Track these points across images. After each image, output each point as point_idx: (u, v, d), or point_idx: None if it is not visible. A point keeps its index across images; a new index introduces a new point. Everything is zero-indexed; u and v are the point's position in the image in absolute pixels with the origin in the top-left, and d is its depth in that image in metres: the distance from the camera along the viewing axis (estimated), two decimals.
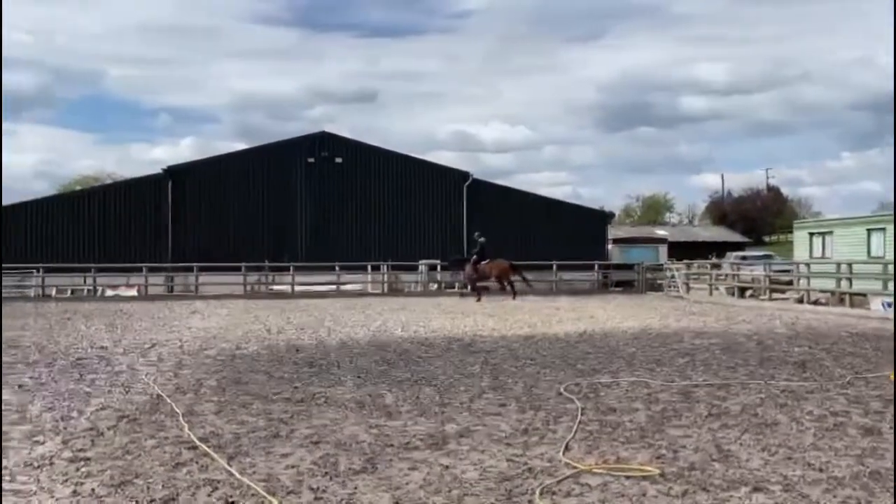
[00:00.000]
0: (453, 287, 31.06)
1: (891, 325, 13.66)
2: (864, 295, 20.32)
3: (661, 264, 32.30)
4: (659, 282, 30.34)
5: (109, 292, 28.29)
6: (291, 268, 29.14)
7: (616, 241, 39.04)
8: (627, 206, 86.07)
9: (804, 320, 16.27)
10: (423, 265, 31.51)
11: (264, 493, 4.41)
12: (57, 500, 4.35)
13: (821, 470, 4.87)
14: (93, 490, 4.50)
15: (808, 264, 24.22)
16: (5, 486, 4.61)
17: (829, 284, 21.74)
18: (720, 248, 51.56)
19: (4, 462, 5.11)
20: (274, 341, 12.46)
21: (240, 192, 32.91)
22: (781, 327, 14.64)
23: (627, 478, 4.70)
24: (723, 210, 76.74)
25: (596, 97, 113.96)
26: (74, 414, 6.66)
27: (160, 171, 33.43)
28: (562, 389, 7.70)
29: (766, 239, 73.09)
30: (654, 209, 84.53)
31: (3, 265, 30.04)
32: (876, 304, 19.29)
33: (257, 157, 34.09)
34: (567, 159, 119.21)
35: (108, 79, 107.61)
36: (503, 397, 7.35)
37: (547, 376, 8.61)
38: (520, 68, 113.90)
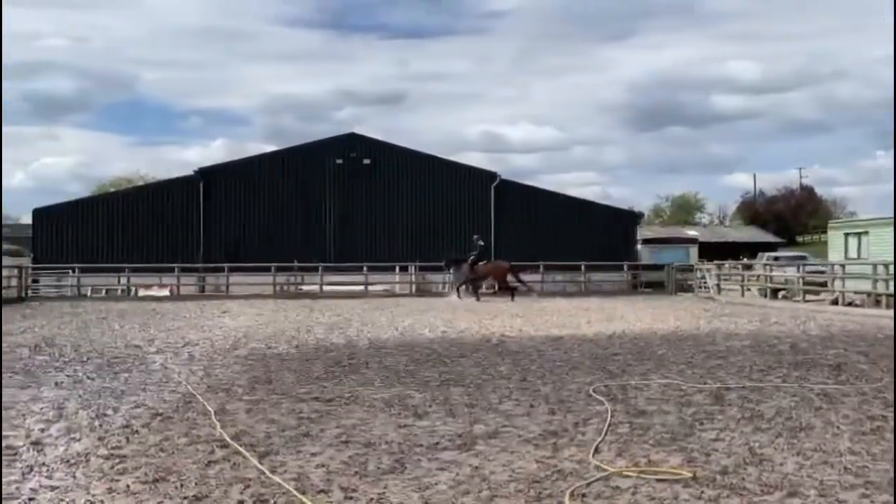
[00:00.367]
0: (480, 287, 31.04)
1: None
2: None
3: (692, 265, 31.90)
4: (689, 283, 29.97)
5: (142, 292, 28.75)
6: (320, 268, 29.35)
7: (646, 241, 38.69)
8: (657, 206, 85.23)
9: (839, 322, 15.96)
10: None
11: (295, 492, 4.45)
12: (93, 496, 4.43)
13: (857, 475, 4.77)
14: (128, 486, 4.58)
15: (842, 265, 23.73)
16: (43, 481, 4.71)
17: (865, 286, 21.29)
18: (752, 249, 50.78)
19: (41, 458, 5.23)
20: (303, 341, 12.55)
21: (269, 193, 33.23)
22: (816, 329, 14.37)
23: (659, 481, 4.66)
24: (755, 210, 75.61)
25: (625, 97, 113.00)
26: (109, 412, 6.78)
27: (192, 172, 33.90)
28: (591, 391, 7.65)
29: (800, 239, 71.86)
30: (685, 209, 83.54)
31: (41, 265, 30.74)
32: None
33: (287, 158, 34.39)
34: (596, 159, 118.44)
35: (142, 82, 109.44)
36: (532, 398, 7.32)
37: (576, 378, 8.56)
38: (549, 68, 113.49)
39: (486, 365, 9.60)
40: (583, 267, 30.62)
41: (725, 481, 4.64)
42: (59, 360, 10.27)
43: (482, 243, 25.90)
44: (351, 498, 4.39)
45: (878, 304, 19.74)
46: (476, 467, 4.97)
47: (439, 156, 36.65)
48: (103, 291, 29.13)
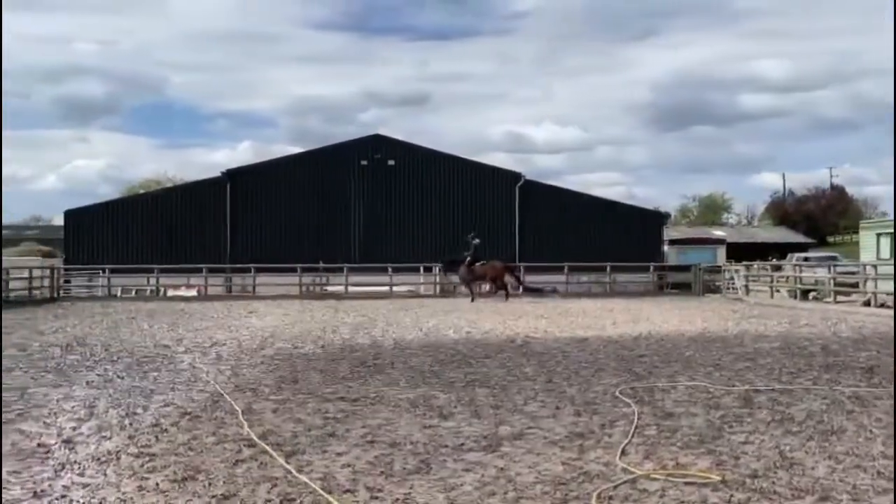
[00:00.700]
0: (504, 288, 30.97)
1: None
2: None
3: (720, 266, 31.54)
4: (717, 284, 29.62)
5: (171, 292, 29.14)
6: (345, 269, 29.51)
7: (672, 242, 38.33)
8: (684, 206, 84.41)
9: (871, 324, 15.65)
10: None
11: (321, 492, 4.47)
12: (123, 493, 4.49)
13: (890, 479, 4.67)
14: (157, 485, 4.64)
15: (875, 266, 23.30)
16: (74, 479, 4.79)
17: None
18: (781, 250, 50.01)
19: (73, 456, 5.31)
20: (329, 341, 12.62)
21: (295, 194, 33.49)
22: (847, 331, 14.12)
23: (687, 484, 4.60)
24: (784, 210, 74.53)
25: (650, 96, 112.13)
26: (139, 410, 6.87)
27: (219, 174, 34.29)
28: (617, 393, 7.59)
29: (830, 240, 70.66)
30: (712, 209, 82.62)
31: (73, 265, 31.30)
32: None
33: (312, 159, 34.64)
34: (620, 159, 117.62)
35: (171, 85, 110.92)
36: (557, 400, 7.28)
37: (602, 379, 8.50)
38: (573, 68, 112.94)
39: (511, 366, 9.57)
40: (608, 268, 30.42)
41: (755, 485, 4.57)
42: (90, 359, 10.44)
43: (477, 241, 25.98)
44: (377, 498, 4.40)
45: None
46: (502, 469, 4.95)
47: (463, 156, 36.70)
48: (133, 292, 29.57)
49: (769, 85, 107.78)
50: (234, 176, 33.78)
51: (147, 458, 5.22)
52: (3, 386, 8.17)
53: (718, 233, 54.28)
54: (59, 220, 41.79)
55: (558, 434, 5.90)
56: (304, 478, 4.72)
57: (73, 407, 7.04)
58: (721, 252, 36.68)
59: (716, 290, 29.07)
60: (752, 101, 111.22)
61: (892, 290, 21.27)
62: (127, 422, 6.40)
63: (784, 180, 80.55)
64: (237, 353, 10.99)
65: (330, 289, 30.00)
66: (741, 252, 45.01)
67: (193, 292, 29.06)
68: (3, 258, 34.76)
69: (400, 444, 5.58)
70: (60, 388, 8.02)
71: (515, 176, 34.90)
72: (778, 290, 25.96)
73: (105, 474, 4.87)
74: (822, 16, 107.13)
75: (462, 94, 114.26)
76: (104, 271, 29.73)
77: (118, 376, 8.89)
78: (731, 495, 4.38)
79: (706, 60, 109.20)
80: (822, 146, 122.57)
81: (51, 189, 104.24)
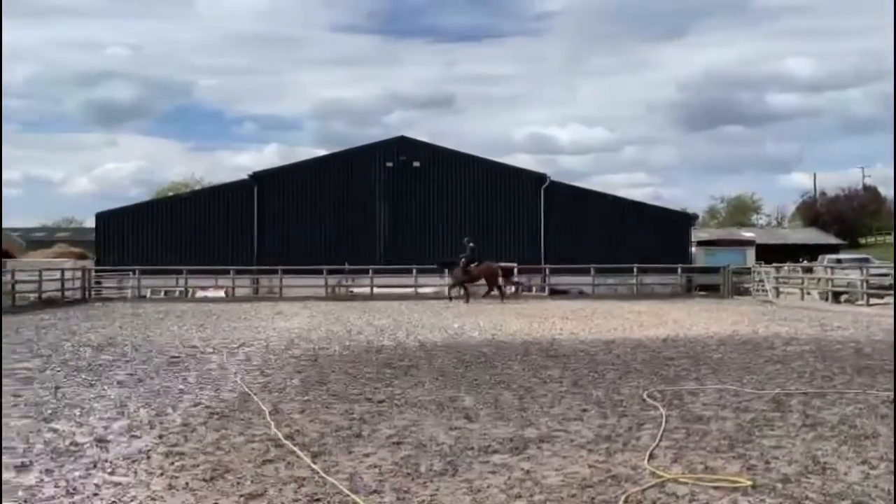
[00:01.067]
0: (530, 290, 30.91)
1: None
2: None
3: (749, 267, 31.10)
4: (746, 286, 29.22)
5: (199, 293, 29.49)
6: (370, 270, 29.63)
7: (700, 243, 37.88)
8: (712, 207, 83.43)
9: None
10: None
11: (348, 492, 4.48)
12: (153, 492, 4.55)
13: None
14: (186, 484, 4.69)
15: None
16: (106, 477, 4.86)
17: None
18: (812, 251, 49.19)
19: (105, 455, 5.39)
20: (354, 342, 12.68)
21: (321, 196, 33.70)
22: (880, 334, 13.83)
23: (716, 488, 4.54)
24: (815, 211, 73.29)
25: (677, 96, 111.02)
26: (169, 410, 6.96)
27: (246, 176, 34.64)
28: (645, 396, 7.52)
29: (862, 241, 69.36)
30: (741, 210, 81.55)
31: (104, 267, 31.81)
32: None
33: (338, 162, 34.83)
34: (647, 160, 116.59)
35: (199, 89, 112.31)
36: (584, 402, 7.23)
37: (629, 382, 8.43)
38: (599, 69, 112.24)
39: (537, 368, 9.53)
40: (635, 269, 30.16)
41: (787, 490, 4.50)
42: (120, 359, 10.60)
43: (472, 244, 26.37)
44: (403, 499, 4.40)
45: None
46: (528, 471, 4.93)
47: (488, 158, 36.64)
48: (162, 293, 29.98)
49: (799, 84, 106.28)
50: (261, 178, 34.09)
51: (176, 457, 5.28)
52: (37, 385, 8.33)
53: (748, 234, 53.58)
54: (90, 223, 42.55)
55: (585, 437, 5.85)
56: (331, 479, 4.74)
57: (104, 406, 7.15)
58: (750, 253, 36.14)
59: (745, 292, 28.68)
60: (781, 101, 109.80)
61: None
62: (157, 421, 6.49)
63: (815, 181, 79.27)
64: (264, 354, 11.09)
65: (355, 290, 30.13)
66: (771, 254, 44.37)
67: (221, 293, 29.37)
68: (37, 259, 35.48)
69: (426, 446, 5.58)
70: (92, 388, 8.15)
71: (540, 177, 34.77)
72: (809, 293, 25.54)
73: (135, 473, 4.94)
74: (851, 13, 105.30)
75: (487, 95, 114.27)
76: (134, 273, 30.15)
77: (148, 376, 9.01)
78: (762, 500, 4.32)
79: (735, 59, 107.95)
80: (854, 146, 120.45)
81: (83, 192, 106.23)
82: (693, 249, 35.60)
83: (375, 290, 28.97)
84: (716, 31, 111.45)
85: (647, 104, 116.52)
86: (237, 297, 28.44)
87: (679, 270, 31.31)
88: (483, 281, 26.13)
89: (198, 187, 55.82)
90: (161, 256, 32.07)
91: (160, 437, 5.92)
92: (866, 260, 31.63)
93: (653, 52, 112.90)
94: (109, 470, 5.01)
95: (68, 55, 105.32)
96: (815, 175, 79.49)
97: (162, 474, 4.89)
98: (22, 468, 5.04)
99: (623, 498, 4.37)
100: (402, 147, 34.48)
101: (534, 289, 31.16)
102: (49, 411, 6.90)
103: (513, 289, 27.28)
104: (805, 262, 36.38)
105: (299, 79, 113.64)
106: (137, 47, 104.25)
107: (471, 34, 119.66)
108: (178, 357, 10.78)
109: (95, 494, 4.51)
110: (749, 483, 4.61)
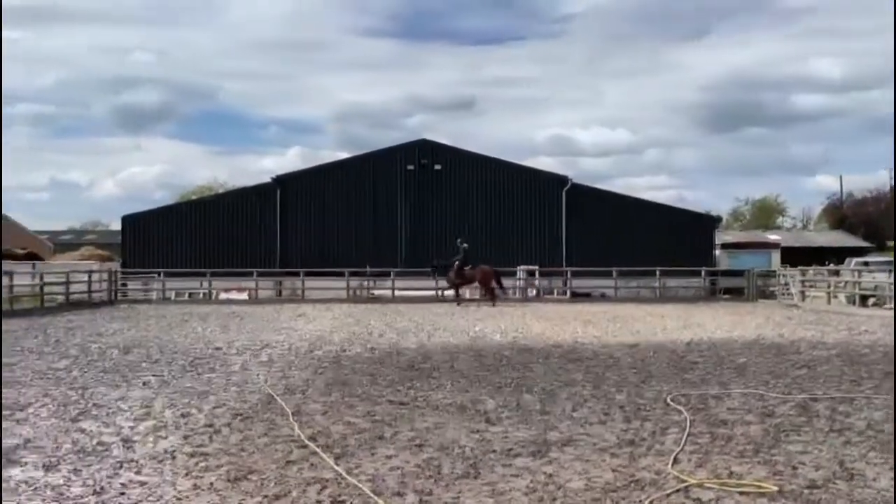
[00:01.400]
0: (551, 293, 30.82)
1: None
2: None
3: (774, 270, 30.72)
4: (771, 289, 28.87)
5: (223, 295, 29.78)
6: (392, 273, 29.71)
7: (724, 246, 37.45)
8: (736, 209, 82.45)
9: None
10: (521, 271, 31.39)
11: (371, 494, 4.50)
12: (179, 492, 4.60)
13: None
14: (211, 484, 4.74)
15: None
16: (132, 477, 4.92)
17: None
18: (839, 254, 48.44)
19: (131, 455, 5.47)
20: (376, 344, 12.72)
21: (343, 199, 33.87)
22: None
23: (742, 494, 4.49)
24: (841, 213, 72.17)
25: (701, 97, 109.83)
26: (194, 411, 7.03)
27: (269, 180, 34.92)
28: (668, 400, 7.46)
29: (890, 244, 68.16)
30: (765, 213, 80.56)
31: (129, 269, 32.24)
32: None
33: (359, 165, 34.99)
34: (670, 162, 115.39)
35: (223, 93, 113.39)
36: (606, 406, 7.19)
37: (652, 386, 8.37)
38: (621, 70, 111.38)
39: (559, 371, 9.50)
40: (657, 272, 29.94)
41: (813, 496, 4.44)
42: (146, 360, 10.74)
43: (466, 246, 26.43)
44: (426, 502, 4.41)
45: None
46: (551, 475, 4.91)
47: (510, 160, 36.58)
48: (186, 295, 30.31)
49: (824, 84, 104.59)
50: (284, 182, 34.35)
51: (201, 458, 5.34)
52: (67, 385, 8.46)
53: (773, 237, 52.92)
54: (116, 225, 43.07)
55: (608, 441, 5.82)
56: (353, 480, 4.76)
57: (130, 407, 7.24)
58: (776, 256, 35.66)
59: (770, 295, 28.33)
60: (806, 102, 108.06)
61: None
62: (182, 422, 6.56)
63: (841, 183, 78.19)
64: (287, 356, 11.16)
65: (377, 292, 30.24)
66: (797, 256, 43.75)
67: (244, 296, 29.64)
68: (65, 262, 36.05)
69: (448, 448, 5.58)
70: (119, 389, 8.26)
71: (562, 179, 34.65)
72: (835, 296, 25.16)
73: (161, 473, 5.00)
74: (877, 13, 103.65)
75: (508, 98, 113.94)
76: (159, 275, 30.53)
77: (173, 377, 9.11)
78: None
79: (758, 60, 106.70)
80: (881, 147, 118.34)
81: (108, 195, 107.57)
82: (717, 252, 35.23)
83: (397, 292, 29.05)
84: (738, 32, 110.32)
85: (669, 106, 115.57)
86: (260, 300, 28.67)
87: (702, 273, 31.01)
88: (476, 283, 26.40)
89: (222, 190, 56.34)
90: (185, 259, 32.43)
91: (185, 437, 5.98)
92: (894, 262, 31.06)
93: (675, 53, 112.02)
94: (136, 470, 5.07)
95: (97, 60, 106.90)
96: (841, 177, 78.64)
97: (187, 474, 4.95)
98: (50, 467, 5.12)
99: (647, 503, 4.33)
100: (423, 150, 34.55)
101: (555, 292, 31.05)
102: (77, 411, 7.01)
103: (504, 293, 27.33)
104: (831, 264, 35.86)
105: (322, 82, 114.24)
106: (164, 52, 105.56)
107: (492, 37, 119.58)
108: (202, 358, 10.89)
109: (122, 494, 4.57)
110: (775, 488, 4.56)
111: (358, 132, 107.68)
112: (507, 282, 30.75)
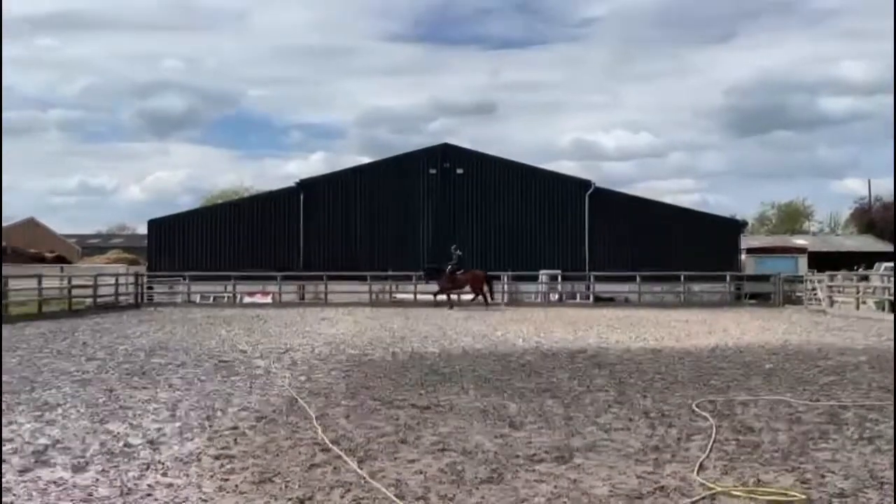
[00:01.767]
0: (574, 297, 30.66)
1: None
2: None
3: (801, 275, 30.29)
4: (798, 294, 28.47)
5: (247, 299, 30.02)
6: (414, 277, 29.76)
7: (750, 250, 37.02)
8: (762, 213, 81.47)
9: None
10: (543, 275, 31.29)
11: (394, 498, 4.51)
12: (204, 493, 4.64)
13: None
14: (236, 486, 4.77)
15: None
16: (159, 478, 4.97)
17: None
18: (868, 259, 47.67)
19: (157, 457, 5.53)
20: (399, 348, 12.74)
21: (366, 203, 34.03)
22: None
23: (769, 502, 4.43)
24: (870, 217, 71.03)
25: (725, 101, 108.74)
26: (218, 413, 7.09)
27: (293, 184, 35.18)
28: (694, 406, 7.38)
29: None
30: (792, 217, 79.50)
31: (155, 273, 32.65)
32: None
33: (382, 169, 35.12)
34: (694, 166, 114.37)
35: (248, 99, 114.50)
36: (631, 412, 7.14)
37: (677, 392, 8.29)
38: (644, 74, 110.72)
39: (583, 376, 9.44)
40: (682, 277, 29.66)
41: None
42: (172, 362, 10.85)
43: (459, 253, 26.81)
44: None
45: None
46: (574, 480, 4.88)
47: (532, 164, 36.49)
48: (211, 298, 30.60)
49: (852, 87, 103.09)
50: (307, 186, 34.59)
51: (226, 460, 5.38)
52: (95, 387, 8.58)
53: (800, 241, 52.16)
54: (142, 230, 43.68)
55: (632, 447, 5.77)
56: (377, 484, 4.77)
57: (155, 409, 7.33)
58: (802, 261, 35.17)
59: (797, 301, 27.95)
60: (834, 105, 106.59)
61: None
62: (207, 424, 6.62)
63: (869, 186, 77.02)
64: (310, 359, 11.22)
65: (399, 297, 30.30)
66: (824, 261, 43.07)
67: (268, 299, 29.86)
68: (92, 265, 36.58)
69: (471, 453, 5.57)
70: (145, 391, 8.36)
71: (585, 183, 34.50)
72: (864, 302, 24.73)
73: (187, 475, 5.05)
74: None
75: (531, 102, 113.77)
76: (184, 278, 30.88)
77: (199, 380, 9.20)
78: None
79: (784, 63, 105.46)
80: None
81: (134, 199, 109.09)
82: (743, 257, 34.83)
83: (419, 296, 29.09)
84: (766, 34, 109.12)
85: (693, 109, 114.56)
86: (284, 303, 28.86)
87: (728, 278, 30.67)
88: (468, 288, 26.72)
89: (246, 195, 56.83)
90: (210, 262, 32.77)
91: (210, 439, 6.04)
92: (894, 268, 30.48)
93: (699, 55, 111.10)
94: (162, 471, 5.13)
95: (124, 67, 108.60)
96: (869, 181, 77.33)
97: (212, 476, 4.99)
98: (78, 468, 5.19)
99: None
100: (445, 154, 34.60)
101: (578, 296, 30.89)
102: (104, 413, 7.10)
103: (492, 297, 27.36)
104: (860, 269, 35.25)
105: (345, 87, 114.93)
106: (190, 59, 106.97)
107: (514, 41, 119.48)
108: (227, 361, 10.99)
109: (149, 495, 4.62)
110: (803, 497, 4.49)
111: (380, 137, 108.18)
112: (529, 286, 30.76)
